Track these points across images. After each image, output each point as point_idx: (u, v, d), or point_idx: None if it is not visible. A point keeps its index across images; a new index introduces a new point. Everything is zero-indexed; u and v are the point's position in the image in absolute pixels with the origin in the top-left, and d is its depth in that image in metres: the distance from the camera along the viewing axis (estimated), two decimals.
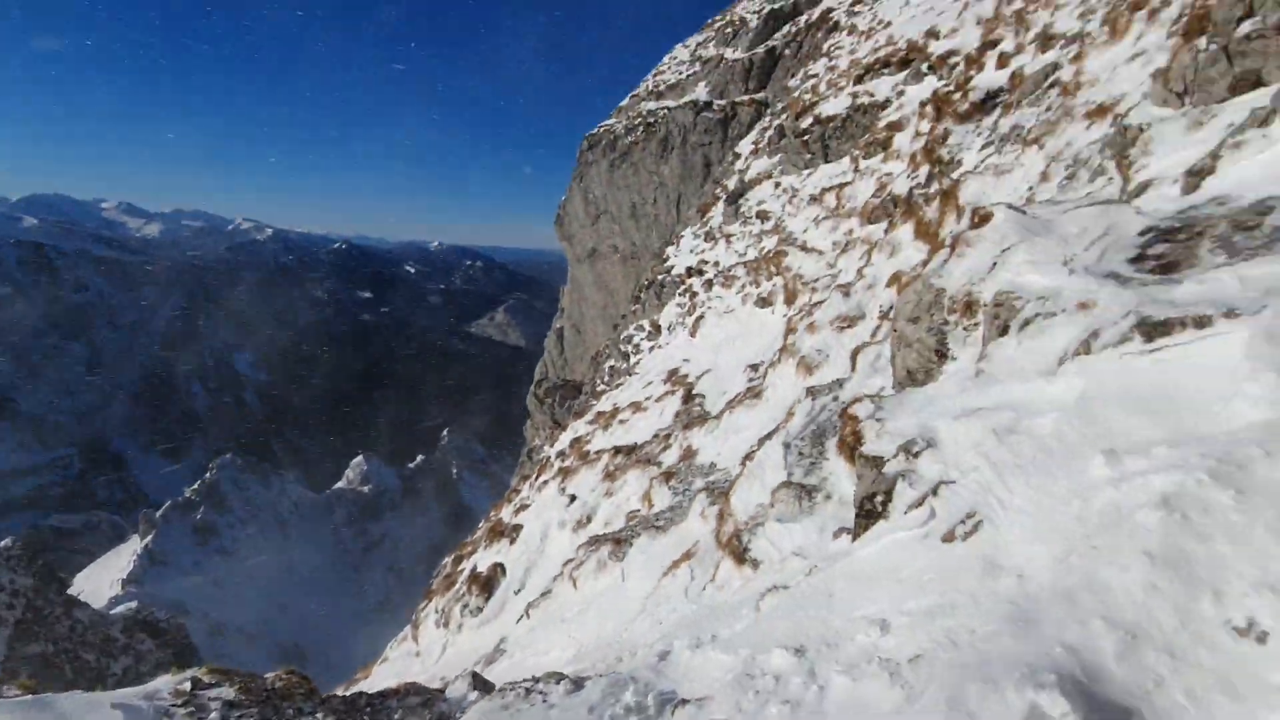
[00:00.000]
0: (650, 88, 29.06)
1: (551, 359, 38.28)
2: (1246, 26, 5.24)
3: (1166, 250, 3.87)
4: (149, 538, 79.97)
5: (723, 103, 24.75)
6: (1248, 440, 2.38)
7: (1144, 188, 5.15)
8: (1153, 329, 3.06)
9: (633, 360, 15.69)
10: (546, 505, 10.48)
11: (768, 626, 3.41)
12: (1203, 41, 5.63)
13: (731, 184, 17.95)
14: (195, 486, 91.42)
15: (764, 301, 12.90)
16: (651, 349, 15.25)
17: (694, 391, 11.45)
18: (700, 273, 15.28)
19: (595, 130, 29.23)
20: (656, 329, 15.48)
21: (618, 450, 10.92)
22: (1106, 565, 2.26)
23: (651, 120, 26.36)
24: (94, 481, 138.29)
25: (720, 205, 17.40)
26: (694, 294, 14.80)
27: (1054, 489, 2.80)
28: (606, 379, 17.02)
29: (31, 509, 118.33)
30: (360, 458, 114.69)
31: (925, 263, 8.42)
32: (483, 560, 10.44)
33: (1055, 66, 9.11)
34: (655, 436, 10.83)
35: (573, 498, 9.85)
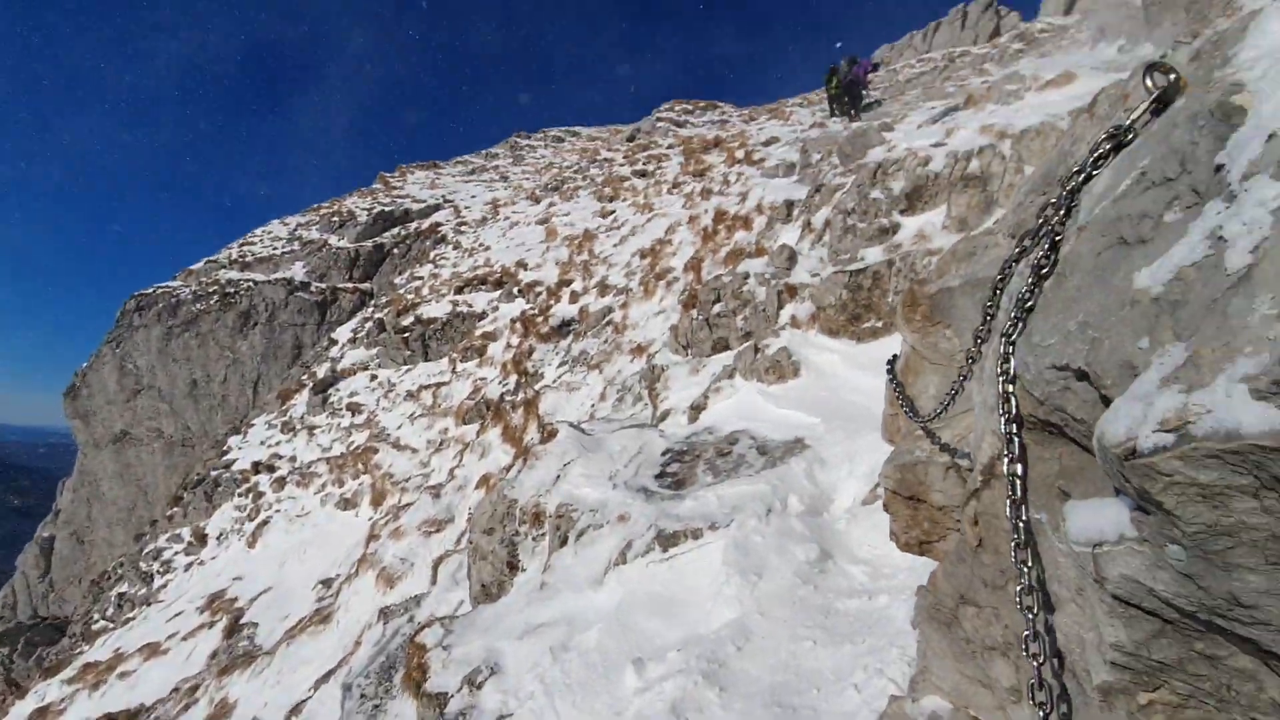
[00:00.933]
0: (234, 256, 26.58)
1: (28, 584, 27.14)
2: (717, 308, 7.60)
3: (678, 469, 4.90)
4: None
5: (323, 286, 24.00)
6: (725, 637, 2.99)
7: (666, 415, 6.64)
8: (667, 540, 3.74)
9: (158, 583, 12.16)
10: None
11: None
12: (695, 312, 7.92)
13: (322, 371, 16.88)
14: None
15: (348, 503, 11.80)
16: (190, 566, 12.15)
17: (243, 620, 9.32)
18: (271, 469, 13.33)
19: (149, 290, 24.80)
20: (201, 539, 12.52)
21: (111, 718, 7.88)
22: None
23: (232, 290, 23.76)
24: None
25: (306, 393, 16.03)
26: (259, 494, 12.68)
27: (596, 706, 2.97)
28: (111, 611, 12.68)
29: None
30: None
31: (511, 466, 9.03)
32: None
33: (610, 309, 11.56)
34: (175, 691, 8.24)
35: None
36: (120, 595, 12.72)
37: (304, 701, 5.74)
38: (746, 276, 7.56)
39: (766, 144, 17.43)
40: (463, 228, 24.95)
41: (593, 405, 8.80)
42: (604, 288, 12.75)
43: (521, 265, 16.47)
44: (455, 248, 22.64)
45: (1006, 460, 1.11)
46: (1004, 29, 26.99)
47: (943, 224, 6.52)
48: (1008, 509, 1.10)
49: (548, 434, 5.75)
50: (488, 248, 20.26)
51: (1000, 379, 1.15)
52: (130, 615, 11.62)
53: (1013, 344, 1.14)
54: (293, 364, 22.25)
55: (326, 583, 9.61)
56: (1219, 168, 0.82)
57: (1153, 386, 0.69)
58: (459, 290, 16.67)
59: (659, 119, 31.14)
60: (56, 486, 29.29)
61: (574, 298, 13.26)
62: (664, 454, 5.22)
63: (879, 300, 5.99)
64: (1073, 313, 0.96)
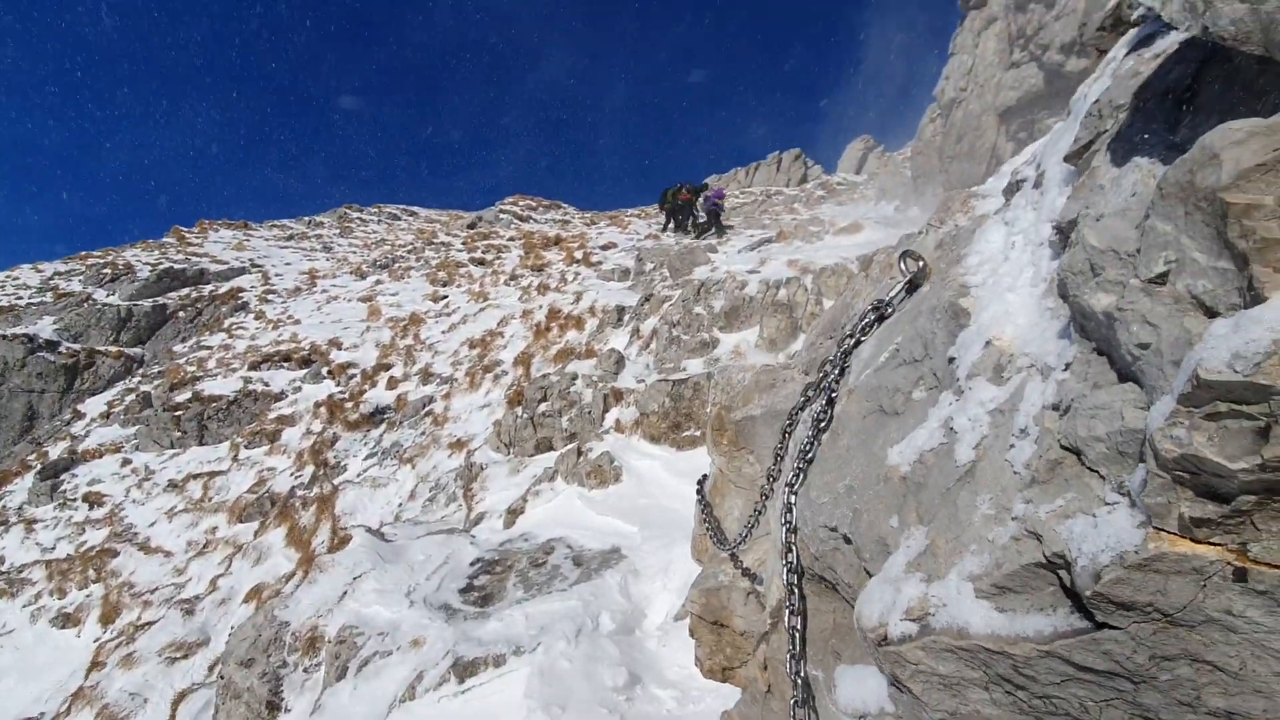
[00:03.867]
0: None
1: None
2: (543, 407, 7.53)
3: (486, 583, 4.59)
4: None
5: (76, 347, 20.37)
6: None
7: (481, 518, 6.28)
8: (465, 669, 3.41)
9: None
10: None
11: None
12: (520, 409, 7.78)
13: (57, 451, 14.02)
14: None
15: (68, 619, 9.50)
16: None
17: None
18: None
19: None
20: None
21: None
22: None
23: None
24: None
25: (29, 477, 13.12)
26: None
27: None
28: None
29: None
30: None
31: (292, 575, 7.91)
32: None
33: (431, 399, 11.01)
34: None
35: None
36: None
37: None
38: (575, 377, 7.64)
39: (605, 248, 18.34)
40: (270, 296, 22.85)
41: (400, 504, 8.11)
42: (427, 375, 12.17)
43: (335, 344, 15.29)
44: (258, 318, 20.55)
45: (788, 611, 1.15)
46: (810, 177, 31.67)
47: (756, 342, 7.16)
48: (787, 663, 1.13)
49: (340, 540, 5.15)
50: (297, 321, 18.64)
51: (783, 528, 1.21)
52: None
53: (795, 494, 1.21)
54: (20, 439, 18.21)
55: None
56: (951, 359, 0.96)
57: (900, 570, 0.75)
58: (255, 365, 14.98)
59: (502, 210, 31.68)
60: None
61: (392, 383, 12.47)
62: (473, 564, 4.89)
63: (699, 409, 6.32)
64: (843, 474, 1.05)
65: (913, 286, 1.38)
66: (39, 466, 13.16)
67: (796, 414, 1.49)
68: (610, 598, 4.08)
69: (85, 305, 21.20)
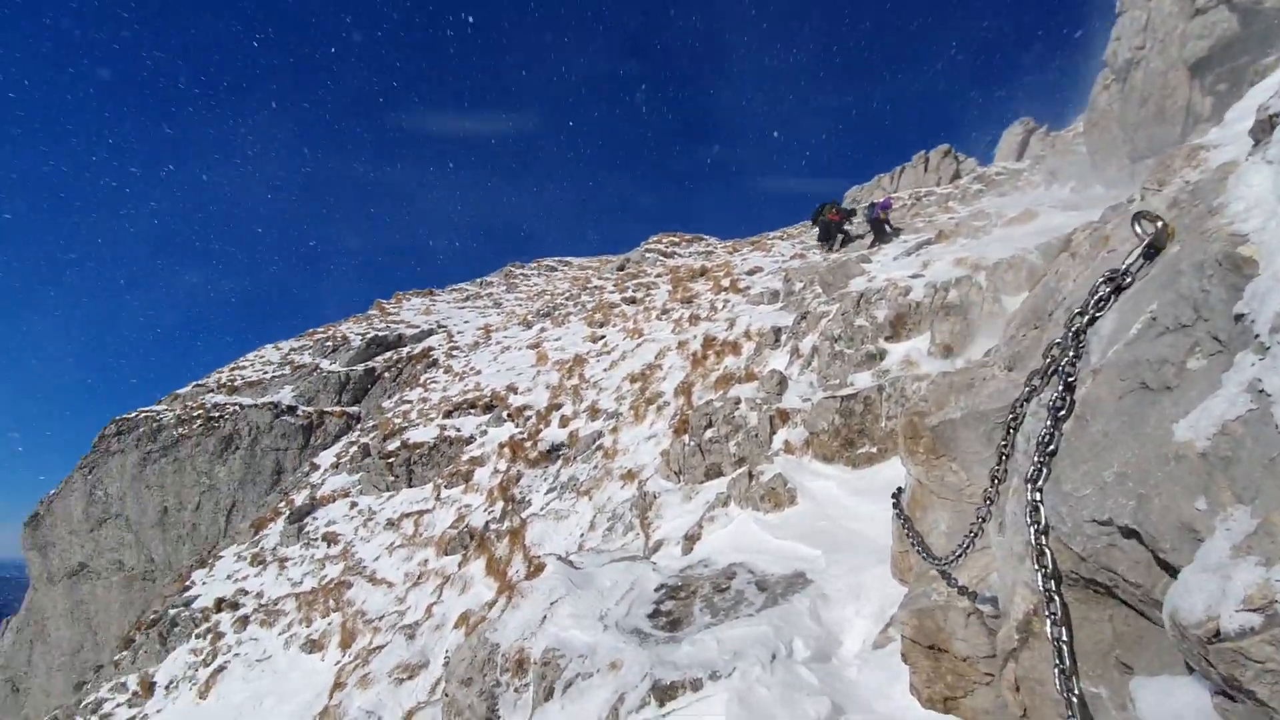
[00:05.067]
0: (223, 380, 26.58)
1: None
2: (709, 433, 7.53)
3: (673, 608, 4.61)
4: None
5: (310, 410, 23.82)
6: None
7: (659, 545, 6.36)
8: (664, 692, 3.42)
9: None
10: None
11: None
12: (687, 437, 7.84)
13: (300, 498, 16.33)
14: None
15: (314, 645, 10.94)
16: None
17: None
18: (235, 606, 12.47)
19: (131, 414, 24.51)
20: (148, 689, 11.42)
21: None
22: None
23: (216, 415, 23.52)
24: None
25: (281, 522, 15.39)
26: (219, 635, 11.76)
27: None
28: None
29: None
30: None
31: (494, 603, 8.49)
32: None
33: (600, 434, 11.45)
34: None
35: None
36: None
37: None
38: (738, 401, 7.57)
39: (751, 273, 18.22)
40: (454, 352, 25.27)
41: (582, 535, 8.45)
42: (594, 412, 12.71)
43: (512, 389, 16.51)
44: (446, 372, 22.80)
45: (1049, 622, 1.01)
46: (963, 172, 29.35)
47: (928, 350, 6.66)
48: (1056, 679, 0.99)
49: (535, 568, 5.46)
50: (478, 372, 20.42)
51: (1031, 528, 1.08)
52: None
53: (1040, 490, 1.08)
54: (271, 490, 21.57)
55: None
56: (1239, 317, 0.81)
57: (1224, 556, 0.62)
58: (447, 414, 16.56)
59: (647, 250, 32.75)
60: None
61: (564, 422, 13.17)
62: (658, 590, 4.93)
63: (872, 425, 5.97)
64: (1105, 461, 0.91)
65: (1151, 251, 1.21)
66: (288, 512, 15.43)
67: (1020, 407, 1.34)
68: (801, 624, 3.91)
69: (314, 374, 24.78)
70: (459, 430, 15.53)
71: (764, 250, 24.12)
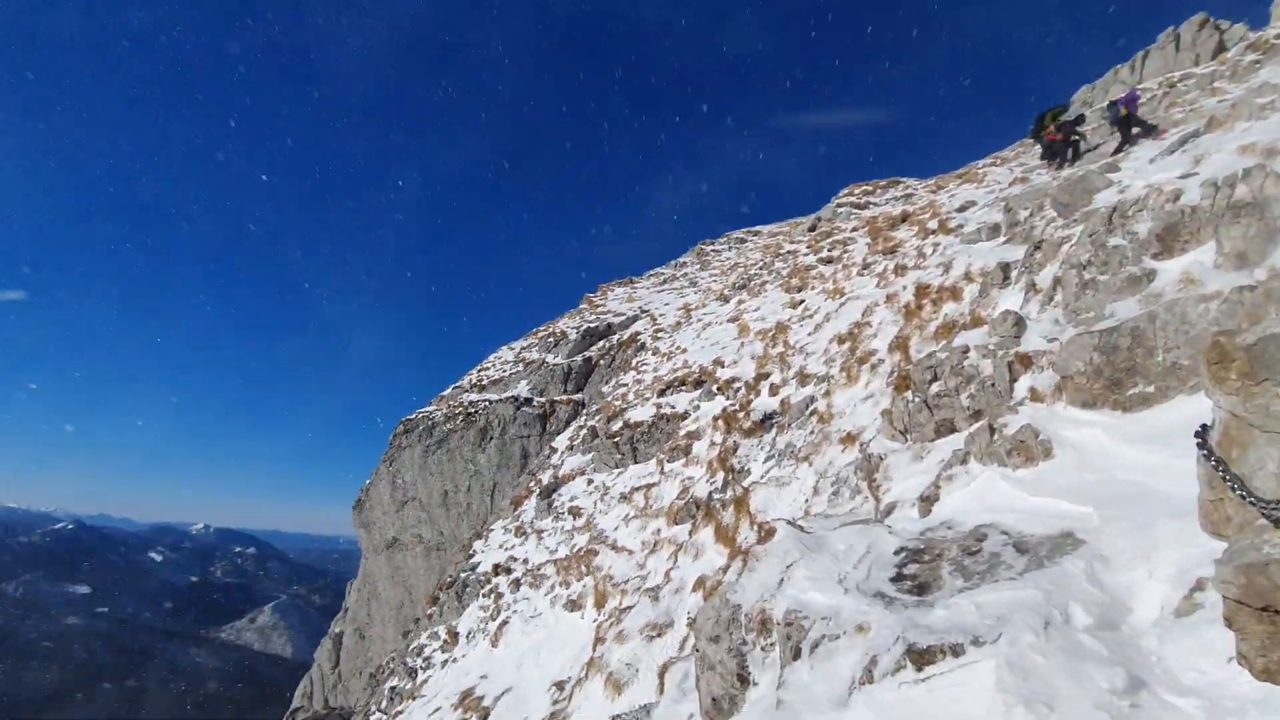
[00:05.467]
0: (474, 381, 30.50)
1: (322, 674, 31.62)
2: (935, 387, 6.92)
3: (918, 571, 4.34)
4: None
5: (543, 400, 26.40)
6: None
7: (891, 508, 6.01)
8: (920, 657, 3.24)
9: (420, 678, 13.39)
10: None
11: None
12: (910, 394, 7.29)
13: (546, 478, 18.22)
14: None
15: (574, 604, 12.21)
16: (445, 663, 13.26)
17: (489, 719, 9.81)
18: (508, 571, 14.37)
19: (413, 415, 29.18)
20: (454, 637, 13.69)
21: None
22: None
23: (473, 410, 27.08)
24: None
25: (534, 499, 17.33)
26: (499, 595, 13.66)
27: None
28: (385, 703, 14.15)
29: None
30: None
31: (726, 568, 8.73)
32: None
33: (812, 399, 11.13)
34: None
35: None
36: (392, 689, 14.20)
37: None
38: (966, 350, 6.85)
39: (961, 209, 16.30)
40: (659, 334, 26.26)
41: (806, 500, 8.32)
42: (803, 377, 12.39)
43: (718, 363, 16.72)
44: (654, 353, 23.80)
45: None
46: (1229, 43, 23.13)
47: (1214, 262, 5.41)
48: None
49: (765, 533, 5.49)
50: (684, 350, 20.99)
51: None
52: (399, 709, 12.83)
53: None
54: (521, 472, 24.42)
55: (560, 685, 9.84)
56: None
57: None
58: (661, 393, 17.29)
59: (839, 205, 30.87)
60: (345, 587, 34.36)
61: (773, 390, 13.03)
62: (897, 553, 4.68)
63: (1144, 361, 5.01)
64: None
65: None
66: (537, 490, 17.33)
67: None
68: (1077, 588, 3.44)
69: (542, 368, 27.40)
70: (673, 407, 16.13)
71: (974, 181, 21.41)
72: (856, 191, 31.94)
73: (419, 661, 13.97)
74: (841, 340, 12.40)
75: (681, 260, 43.33)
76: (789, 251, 27.02)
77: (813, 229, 30.03)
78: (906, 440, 7.13)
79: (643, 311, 31.12)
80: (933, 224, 15.82)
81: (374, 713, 13.99)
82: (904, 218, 19.60)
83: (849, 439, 8.69)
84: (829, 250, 21.73)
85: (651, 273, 42.21)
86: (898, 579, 4.31)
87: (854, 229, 23.52)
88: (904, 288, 11.96)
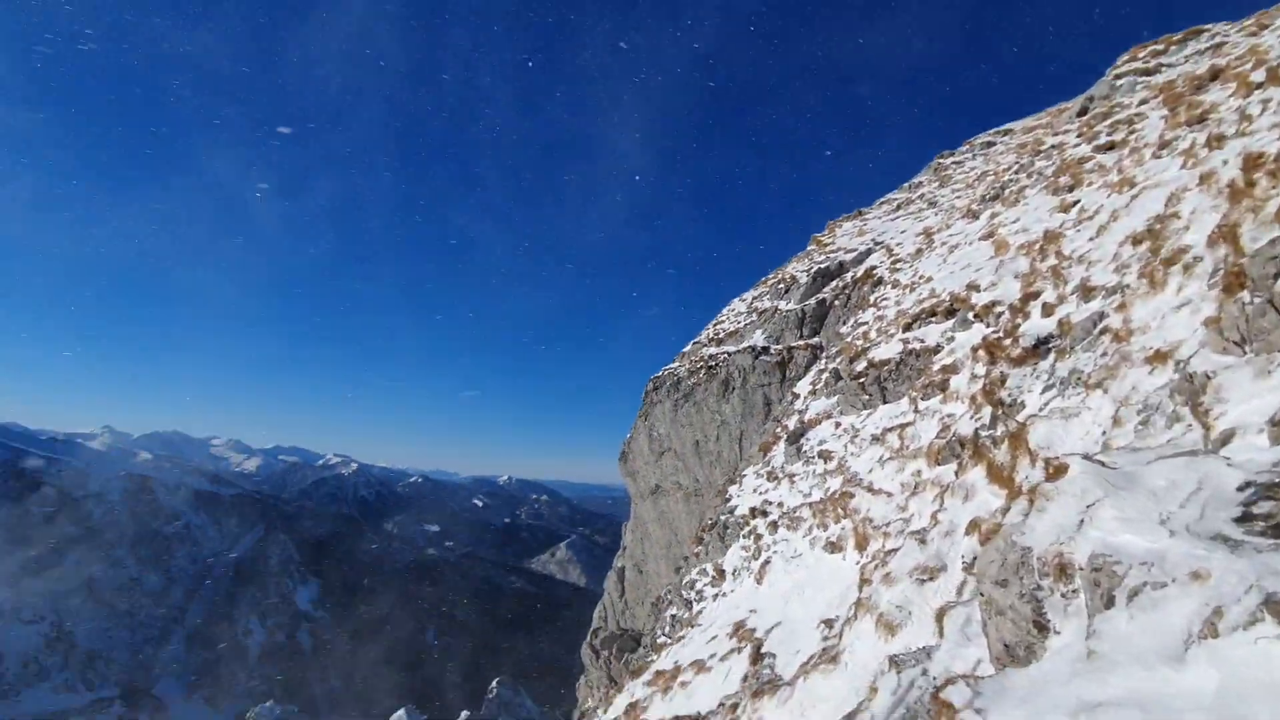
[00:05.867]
0: (711, 335, 31.38)
1: (611, 602, 36.06)
2: None
3: (1274, 509, 3.51)
4: None
5: (779, 347, 26.22)
6: None
7: (1227, 436, 4.87)
8: None
9: (695, 609, 14.56)
10: None
11: None
12: (1245, 295, 5.75)
13: (791, 423, 18.18)
14: None
15: (833, 546, 12.13)
16: (715, 596, 14.21)
17: (763, 650, 10.32)
18: (764, 514, 14.77)
19: (660, 373, 31.08)
20: (721, 574, 14.58)
21: None
22: None
23: (713, 363, 27.96)
24: None
25: (781, 444, 17.44)
26: (758, 536, 14.14)
27: None
28: (668, 629, 15.69)
29: None
30: (401, 712, 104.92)
31: (1004, 510, 7.89)
32: None
33: (1101, 315, 9.37)
34: (721, 705, 9.57)
35: None
36: (672, 617, 15.68)
37: None
38: None
39: None
40: (897, 265, 24.15)
41: (1103, 433, 7.12)
42: (1086, 291, 10.45)
43: (972, 288, 14.88)
44: (893, 286, 21.99)
45: None
46: None
47: None
48: None
49: (1053, 471, 4.85)
50: (928, 279, 19.03)
51: None
52: (681, 634, 14.14)
53: None
54: (765, 420, 24.68)
55: (828, 623, 9.94)
56: None
57: None
58: (906, 327, 15.99)
59: (1117, 77, 24.82)
60: (621, 529, 38.48)
61: (1047, 310, 11.23)
62: (1242, 488, 3.83)
63: None
64: None
65: None
66: (784, 436, 17.39)
67: None
68: None
69: (776, 315, 27.10)
70: (922, 341, 14.84)
71: None
72: (1141, 55, 25.40)
73: (692, 594, 15.18)
74: (1137, 241, 10.18)
75: (915, 180, 38.95)
76: (1053, 146, 22.67)
77: (1083, 113, 24.74)
78: (1244, 352, 5.67)
79: (875, 244, 28.83)
80: (1258, 75, 11.95)
81: (659, 636, 15.62)
82: (1214, 75, 15.12)
83: (1158, 357, 7.17)
84: (1108, 135, 17.74)
85: (881, 201, 38.73)
86: (1244, 519, 3.54)
87: (1141, 102, 18.83)
88: (1224, 163, 9.35)
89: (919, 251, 23.46)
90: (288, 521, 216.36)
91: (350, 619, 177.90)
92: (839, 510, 12.56)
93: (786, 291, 28.96)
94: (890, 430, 13.26)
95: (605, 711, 13.12)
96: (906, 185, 39.11)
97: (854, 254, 28.51)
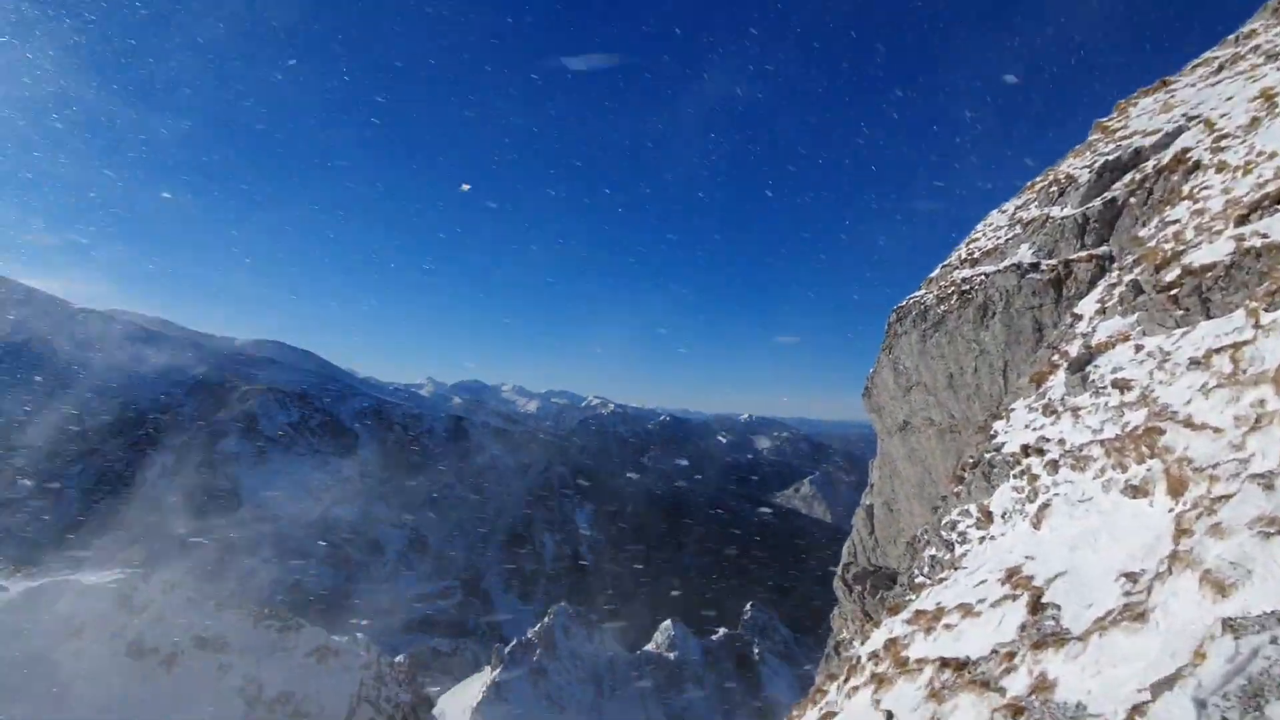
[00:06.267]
0: (963, 256, 27.91)
1: (860, 539, 35.30)
2: None
3: None
4: (496, 671, 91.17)
5: (1052, 263, 22.36)
6: None
7: None
8: None
9: (958, 551, 13.58)
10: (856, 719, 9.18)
11: None
12: None
13: (1073, 349, 15.53)
14: (536, 629, 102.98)
15: (1136, 490, 10.23)
16: (982, 540, 13.07)
17: (1043, 600, 9.30)
18: (1040, 452, 13.01)
19: (904, 303, 28.74)
20: (987, 516, 13.32)
21: (945, 663, 9.22)
22: None
23: (967, 288, 24.99)
24: (467, 612, 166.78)
25: (1060, 374, 15.04)
26: (1034, 477, 12.53)
27: None
28: (926, 570, 14.93)
29: (422, 630, 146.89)
30: (669, 623, 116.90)
31: None
32: None
33: None
34: (994, 652, 8.93)
35: (889, 715, 8.48)
36: (931, 557, 14.84)
37: (1142, 705, 5.21)
38: None
39: None
40: (1223, 143, 18.55)
41: None
42: None
43: None
44: (1218, 170, 17.00)
45: None
46: None
47: None
48: None
49: None
50: (1272, 154, 14.35)
51: None
52: (942, 576, 13.36)
53: None
54: (1036, 347, 21.38)
55: (1130, 576, 8.56)
56: None
57: None
58: (1241, 220, 12.38)
59: None
60: (867, 465, 37.09)
61: None
62: None
63: None
64: None
65: None
66: (1064, 365, 14.95)
67: None
68: None
69: (1047, 225, 23.06)
70: (1265, 236, 11.39)
71: None
72: None
73: (954, 535, 14.16)
74: None
75: (1246, 30, 29.02)
76: None
77: None
78: None
79: (1189, 120, 22.38)
80: None
81: (917, 576, 14.95)
82: None
83: None
84: None
85: (1195, 63, 29.73)
86: None
87: None
88: None
89: (1254, 122, 17.77)
90: (564, 455, 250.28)
91: (618, 540, 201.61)
92: (1144, 449, 10.53)
93: (1061, 195, 24.26)
94: (1218, 352, 10.60)
95: (862, 644, 13.11)
96: (1231, 38, 29.41)
97: (1157, 136, 22.59)
